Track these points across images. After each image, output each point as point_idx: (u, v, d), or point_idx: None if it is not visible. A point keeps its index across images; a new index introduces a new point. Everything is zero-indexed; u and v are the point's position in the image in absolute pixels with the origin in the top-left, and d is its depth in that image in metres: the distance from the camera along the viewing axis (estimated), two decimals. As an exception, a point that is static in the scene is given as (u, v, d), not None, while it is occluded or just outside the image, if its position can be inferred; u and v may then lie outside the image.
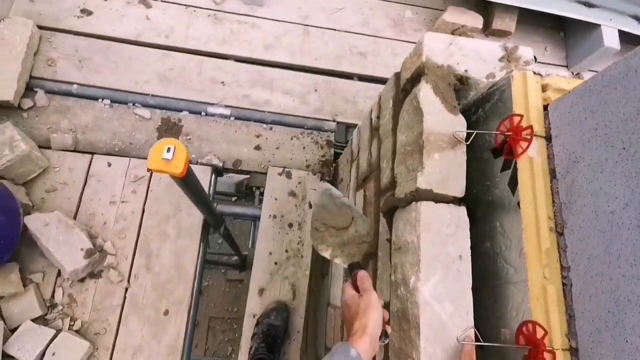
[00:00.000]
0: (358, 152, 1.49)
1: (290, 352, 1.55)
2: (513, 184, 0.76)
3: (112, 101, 1.79)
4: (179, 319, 1.52)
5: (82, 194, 1.59)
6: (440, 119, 0.88)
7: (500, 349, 0.73)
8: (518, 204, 0.73)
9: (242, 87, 1.95)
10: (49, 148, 1.64)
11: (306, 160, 1.87)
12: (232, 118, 1.88)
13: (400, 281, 0.84)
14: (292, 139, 1.90)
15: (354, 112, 2.01)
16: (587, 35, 2.24)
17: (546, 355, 0.62)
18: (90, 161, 1.64)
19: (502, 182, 0.80)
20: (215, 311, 4.58)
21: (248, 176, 1.86)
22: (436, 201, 0.81)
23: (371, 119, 1.34)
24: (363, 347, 0.63)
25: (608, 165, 0.63)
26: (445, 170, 0.84)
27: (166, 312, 1.51)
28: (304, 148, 1.90)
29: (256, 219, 1.76)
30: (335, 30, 2.17)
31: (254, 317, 1.57)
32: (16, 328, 1.35)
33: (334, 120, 1.97)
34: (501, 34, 2.27)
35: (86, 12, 1.93)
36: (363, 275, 0.77)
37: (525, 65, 0.97)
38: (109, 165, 1.65)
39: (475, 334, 0.72)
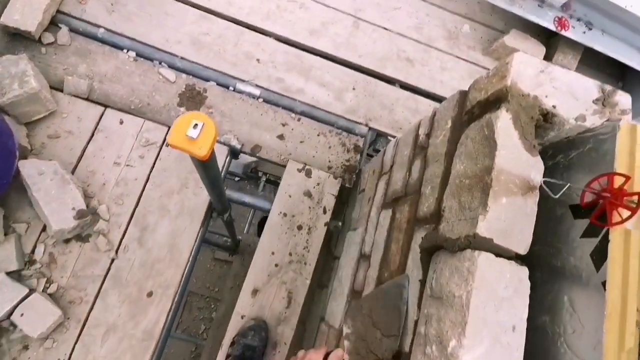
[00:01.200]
0: (391, 166, 1.35)
1: (272, 363, 1.43)
2: (599, 257, 0.62)
3: (137, 54, 1.66)
4: (162, 303, 1.39)
5: (85, 147, 1.46)
6: (515, 156, 0.74)
7: None
8: (603, 283, 0.60)
9: (277, 69, 1.81)
10: (61, 91, 1.51)
11: (329, 161, 1.74)
12: (260, 99, 1.75)
13: (433, 338, 0.71)
14: (318, 135, 1.76)
15: (389, 120, 1.87)
16: (648, 90, 2.09)
17: None
18: (102, 114, 1.51)
19: (581, 250, 0.66)
20: (196, 287, 4.48)
21: (256, 159, 1.73)
22: (496, 255, 0.68)
23: (418, 134, 1.19)
24: None
25: None
26: (511, 219, 0.71)
27: (150, 294, 1.39)
28: (329, 147, 1.76)
29: (264, 211, 1.63)
30: (386, 29, 2.02)
31: (242, 317, 1.45)
32: (-13, 278, 1.23)
33: (366, 125, 1.83)
34: (559, 70, 2.12)
35: (129, -46, 1.78)
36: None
37: (621, 114, 0.83)
38: (121, 122, 1.52)
39: None
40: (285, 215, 1.58)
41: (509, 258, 0.69)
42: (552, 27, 1.90)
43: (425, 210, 0.95)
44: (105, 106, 1.54)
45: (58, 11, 1.62)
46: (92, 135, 1.48)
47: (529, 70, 0.81)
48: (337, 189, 1.66)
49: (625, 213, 0.60)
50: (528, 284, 0.68)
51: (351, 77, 1.90)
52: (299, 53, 1.87)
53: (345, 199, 1.88)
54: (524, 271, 0.69)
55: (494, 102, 0.82)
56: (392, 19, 2.05)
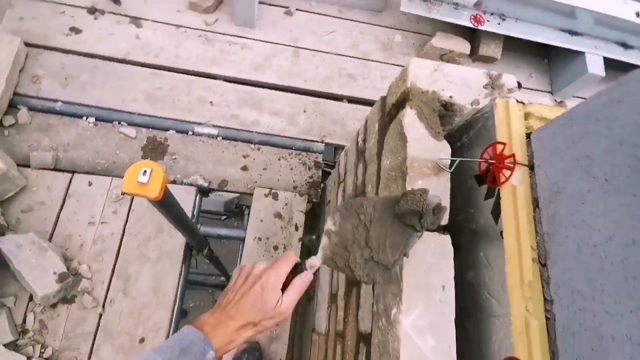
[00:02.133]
0: (345, 174, 1.48)
1: (272, 382, 1.48)
2: (496, 212, 0.74)
3: (97, 119, 1.77)
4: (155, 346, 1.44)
5: (59, 214, 1.54)
6: (424, 145, 0.87)
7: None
8: (501, 233, 0.72)
9: (231, 107, 1.95)
10: (28, 166, 1.60)
11: (293, 182, 1.85)
12: (219, 138, 1.87)
13: (382, 312, 0.80)
14: (279, 159, 1.88)
15: (343, 133, 2.01)
16: (571, 62, 2.30)
17: (531, 396, 0.59)
18: (70, 180, 1.60)
19: (486, 210, 0.79)
20: (202, 333, 4.41)
21: (238, 194, 1.83)
22: (419, 229, 0.79)
23: (357, 142, 1.33)
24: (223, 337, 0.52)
25: (590, 197, 0.61)
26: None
27: (142, 340, 1.45)
28: (291, 169, 1.88)
29: (242, 240, 1.72)
30: (325, 52, 2.19)
31: (235, 344, 1.51)
32: (-18, 356, 1.28)
33: (322, 142, 1.96)
34: (488, 59, 2.32)
35: (75, 30, 1.92)
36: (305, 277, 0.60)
37: (509, 92, 0.97)
38: (90, 184, 1.61)
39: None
40: (260, 239, 1.67)
41: (434, 230, 0.81)
42: (469, 25, 2.10)
43: (369, 206, 1.06)
44: (73, 172, 1.63)
45: (15, 93, 1.72)
46: (64, 201, 1.57)
47: (424, 71, 0.95)
48: (305, 206, 1.76)
49: (507, 173, 0.73)
50: (451, 249, 0.79)
51: (300, 102, 2.04)
52: (248, 89, 2.02)
53: (317, 213, 1.99)
54: (447, 239, 0.80)
55: (402, 102, 0.95)
56: (329, 43, 2.23)
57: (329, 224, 0.69)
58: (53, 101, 1.75)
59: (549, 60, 2.50)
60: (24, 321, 1.39)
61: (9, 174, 1.44)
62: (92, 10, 1.98)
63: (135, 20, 2.00)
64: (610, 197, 0.58)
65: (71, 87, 1.80)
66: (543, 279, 0.69)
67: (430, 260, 0.78)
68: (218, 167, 1.81)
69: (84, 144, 1.71)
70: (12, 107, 1.70)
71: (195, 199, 1.70)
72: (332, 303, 1.36)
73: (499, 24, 2.15)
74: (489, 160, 0.76)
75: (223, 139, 1.87)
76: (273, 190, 1.77)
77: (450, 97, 0.94)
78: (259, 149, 1.89)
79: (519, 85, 1.01)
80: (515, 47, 2.40)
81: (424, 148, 0.87)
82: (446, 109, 0.95)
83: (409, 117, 0.89)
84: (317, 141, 1.96)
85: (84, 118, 1.76)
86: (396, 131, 0.94)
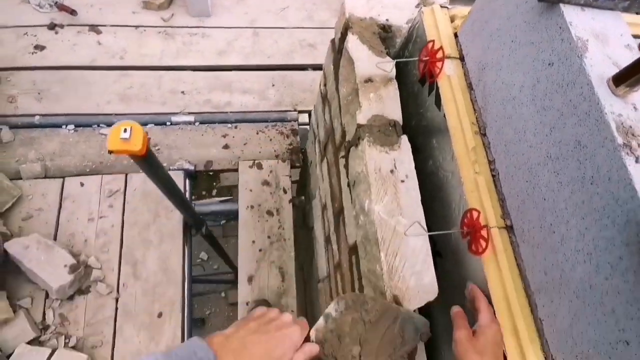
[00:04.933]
0: (317, 128, 1.57)
1: (288, 332, 1.58)
2: (439, 101, 0.85)
3: (76, 126, 1.84)
4: (173, 319, 1.54)
5: (58, 216, 1.62)
6: (370, 63, 0.97)
7: (454, 255, 0.80)
8: (444, 116, 0.82)
9: (202, 94, 2.03)
10: (20, 179, 1.67)
11: (275, 151, 1.94)
12: (197, 123, 1.95)
13: (359, 211, 0.91)
14: (257, 133, 1.97)
15: (313, 98, 2.10)
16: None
17: (483, 232, 0.70)
18: (62, 184, 1.67)
19: (430, 104, 0.89)
20: (222, 335, 4.49)
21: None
22: (379, 131, 0.89)
23: (320, 90, 1.42)
24: None
25: (504, 60, 0.72)
26: (381, 104, 0.93)
27: (160, 315, 1.54)
28: (270, 140, 1.97)
29: (234, 213, 1.81)
30: (283, 28, 2.28)
31: (246, 304, 1.61)
32: (11, 353, 1.36)
33: (295, 110, 2.06)
34: None
35: (39, 47, 1.99)
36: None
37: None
38: (82, 185, 1.69)
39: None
40: (252, 207, 1.76)
41: (390, 127, 0.91)
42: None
43: (338, 137, 1.16)
44: (63, 177, 1.70)
45: (-6, 115, 1.79)
46: (60, 204, 1.64)
47: (359, 1, 1.05)
48: (289, 169, 1.86)
49: (440, 64, 0.83)
50: (408, 143, 0.89)
51: (268, 77, 2.13)
52: (216, 74, 2.10)
53: (305, 181, 2.09)
54: (404, 137, 0.90)
55: (345, 32, 1.05)
56: (284, 18, 2.31)
57: (331, 308, 0.68)
58: (31, 116, 1.81)
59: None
60: (44, 318, 1.47)
61: (3, 184, 1.51)
62: (51, 26, 2.04)
63: (94, 28, 2.06)
64: (516, 53, 0.69)
65: (46, 100, 1.86)
66: (485, 146, 0.79)
67: (392, 155, 0.88)
68: (201, 150, 1.89)
69: (69, 150, 1.79)
70: (-7, 129, 1.77)
71: (185, 182, 1.78)
72: (328, 244, 1.47)
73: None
74: (423, 59, 0.86)
75: (200, 123, 1.95)
76: (256, 161, 1.86)
77: (387, 20, 1.05)
78: (236, 127, 1.98)
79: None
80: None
81: (370, 65, 0.97)
82: (385, 31, 1.05)
83: (352, 42, 0.99)
84: (290, 110, 2.05)
85: (64, 126, 1.83)
86: (346, 59, 1.04)
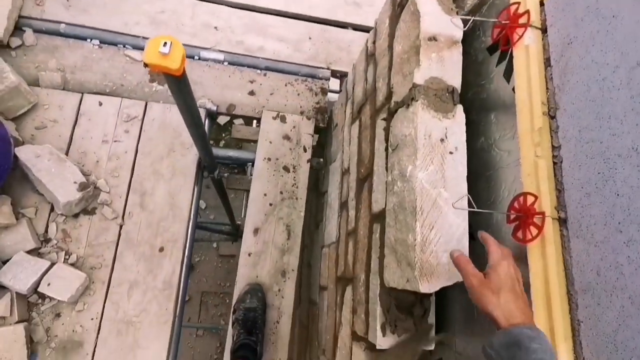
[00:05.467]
0: (353, 88, 1.49)
1: (285, 290, 1.57)
2: (509, 73, 0.77)
3: (101, 42, 1.75)
4: (174, 256, 1.52)
5: (73, 132, 1.57)
6: (437, 19, 0.88)
7: (496, 234, 0.75)
8: (513, 89, 0.75)
9: (236, 33, 1.92)
10: (38, 86, 1.60)
11: (300, 107, 1.86)
12: (225, 63, 1.86)
13: (397, 177, 0.85)
14: (286, 85, 1.89)
15: (349, 60, 1.99)
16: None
17: (536, 219, 0.64)
18: (81, 100, 1.61)
19: (497, 75, 0.81)
20: (208, 286, 4.60)
21: None
22: (435, 95, 0.82)
23: (367, 47, 1.33)
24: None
25: (599, 36, 0.64)
26: (441, 66, 0.85)
27: (161, 249, 1.52)
28: (298, 94, 1.88)
29: (250, 161, 1.75)
30: (330, -21, 2.13)
31: (249, 255, 1.59)
32: (8, 260, 1.34)
33: (328, 68, 1.96)
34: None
35: (72, -49, 1.86)
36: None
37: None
38: (100, 104, 1.62)
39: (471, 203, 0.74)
40: (269, 159, 1.71)
41: (447, 93, 0.84)
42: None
43: (381, 98, 1.09)
44: (82, 92, 1.64)
45: (20, 16, 1.70)
46: (76, 120, 1.59)
47: (437, -49, 0.94)
48: (312, 128, 1.79)
49: (521, 31, 0.75)
50: (463, 114, 0.82)
51: (306, 28, 2.01)
52: (253, 15, 1.98)
53: (323, 141, 2.02)
54: (459, 107, 0.83)
55: (415, -15, 0.95)
56: (333, -31, 2.16)
57: None
58: (57, 23, 1.72)
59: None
60: (46, 230, 1.45)
61: (21, 88, 1.45)
62: None
63: (134, -58, 1.93)
64: (617, 30, 0.60)
65: (74, 9, 1.76)
66: (552, 130, 0.72)
67: (444, 124, 0.81)
68: (225, 91, 1.82)
69: (91, 66, 1.71)
70: (18, 29, 1.68)
71: (205, 122, 1.72)
72: (343, 210, 1.42)
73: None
74: (504, 22, 0.78)
75: (229, 64, 1.86)
76: (281, 114, 1.79)
77: (463, -24, 0.94)
78: (265, 75, 1.89)
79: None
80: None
81: (437, 22, 0.88)
82: (459, -11, 0.95)
83: (423, -5, 0.90)
84: (323, 67, 1.95)
85: (89, 40, 1.74)
86: (409, 13, 0.95)
